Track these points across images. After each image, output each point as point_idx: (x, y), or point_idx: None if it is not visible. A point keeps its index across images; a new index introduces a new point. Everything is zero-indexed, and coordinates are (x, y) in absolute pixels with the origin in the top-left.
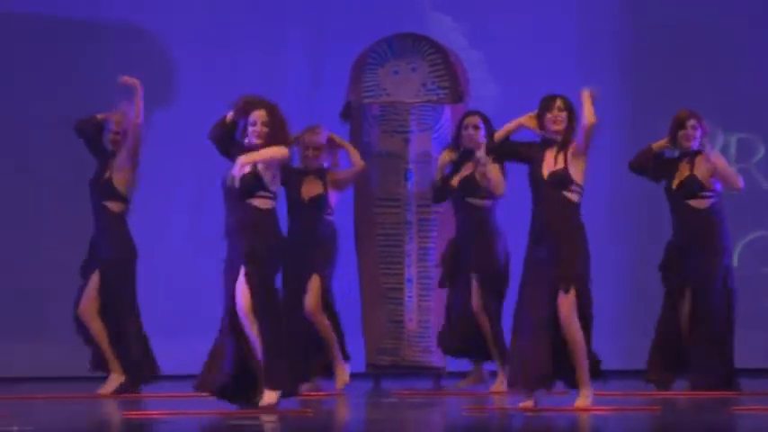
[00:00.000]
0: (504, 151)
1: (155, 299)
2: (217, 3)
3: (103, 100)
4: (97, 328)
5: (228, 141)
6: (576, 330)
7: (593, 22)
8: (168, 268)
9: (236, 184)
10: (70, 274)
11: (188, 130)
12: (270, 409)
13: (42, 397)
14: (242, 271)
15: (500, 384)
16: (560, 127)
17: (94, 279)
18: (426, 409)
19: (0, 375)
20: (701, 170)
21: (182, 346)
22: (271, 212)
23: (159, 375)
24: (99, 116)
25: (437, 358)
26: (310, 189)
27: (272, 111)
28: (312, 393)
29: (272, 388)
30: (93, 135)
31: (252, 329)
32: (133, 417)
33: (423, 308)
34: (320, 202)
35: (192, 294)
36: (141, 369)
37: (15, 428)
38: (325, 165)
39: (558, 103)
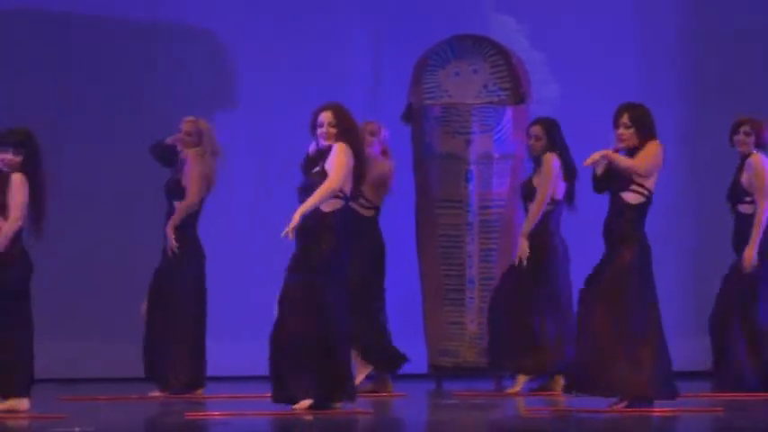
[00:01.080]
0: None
1: (217, 300)
2: (280, 3)
3: (168, 99)
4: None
5: (168, 159)
6: None
7: (653, 23)
8: (229, 270)
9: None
10: (131, 275)
11: (251, 130)
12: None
13: (104, 398)
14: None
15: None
16: (625, 144)
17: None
18: (487, 411)
19: (62, 376)
20: (745, 176)
21: (243, 348)
22: (335, 214)
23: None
24: (168, 140)
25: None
26: None
27: (338, 111)
28: (374, 393)
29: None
30: (168, 159)
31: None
32: (194, 418)
33: (484, 309)
34: None
35: (254, 296)
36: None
37: (77, 429)
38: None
39: (624, 119)
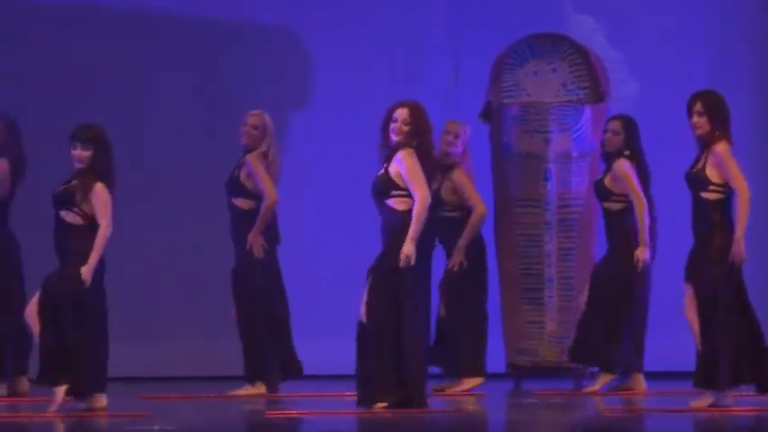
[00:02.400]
0: None
1: (297, 299)
2: (359, 2)
3: (248, 98)
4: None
5: None
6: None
7: (731, 21)
8: (308, 269)
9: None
10: (213, 274)
11: (330, 129)
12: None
13: (184, 396)
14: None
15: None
16: (700, 132)
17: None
18: (566, 410)
19: (142, 375)
20: None
21: (323, 347)
22: (409, 213)
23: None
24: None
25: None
26: None
27: (415, 109)
28: (455, 393)
29: None
30: None
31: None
32: (275, 416)
33: (563, 308)
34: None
35: (337, 295)
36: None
37: (157, 428)
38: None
39: (698, 107)
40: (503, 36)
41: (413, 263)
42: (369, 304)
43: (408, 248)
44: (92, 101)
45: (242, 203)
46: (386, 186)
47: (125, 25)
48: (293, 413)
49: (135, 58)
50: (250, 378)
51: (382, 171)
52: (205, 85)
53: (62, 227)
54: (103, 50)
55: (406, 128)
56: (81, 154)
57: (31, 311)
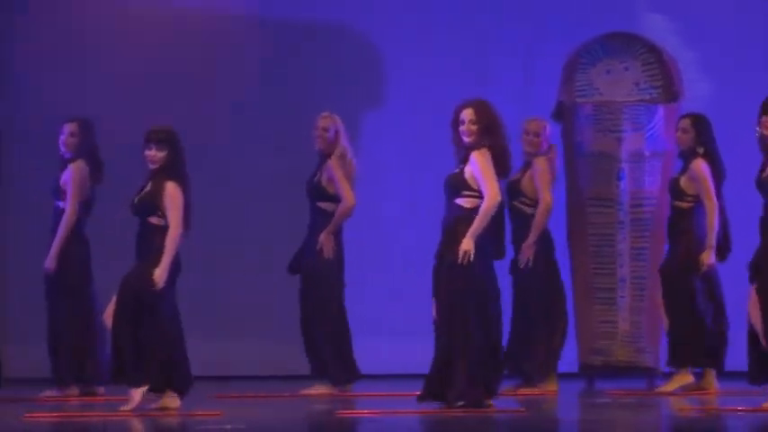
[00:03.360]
0: None
1: (370, 299)
2: (430, 2)
3: (319, 99)
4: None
5: None
6: None
7: None
8: (379, 268)
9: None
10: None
11: (400, 129)
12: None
13: (256, 396)
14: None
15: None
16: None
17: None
18: (639, 410)
19: (213, 374)
20: None
21: (393, 346)
22: (474, 210)
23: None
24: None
25: (651, 358)
26: None
27: (481, 107)
28: (527, 393)
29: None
30: None
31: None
32: (346, 415)
33: (635, 308)
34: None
35: (403, 294)
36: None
37: (229, 427)
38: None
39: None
40: (575, 35)
41: (471, 259)
42: (435, 303)
43: (467, 244)
44: (165, 103)
45: (327, 206)
46: (458, 185)
47: (195, 28)
48: (363, 412)
49: (206, 60)
50: (320, 377)
51: (457, 171)
52: (275, 86)
53: (146, 229)
54: (175, 53)
55: (474, 127)
56: (155, 155)
57: (110, 313)
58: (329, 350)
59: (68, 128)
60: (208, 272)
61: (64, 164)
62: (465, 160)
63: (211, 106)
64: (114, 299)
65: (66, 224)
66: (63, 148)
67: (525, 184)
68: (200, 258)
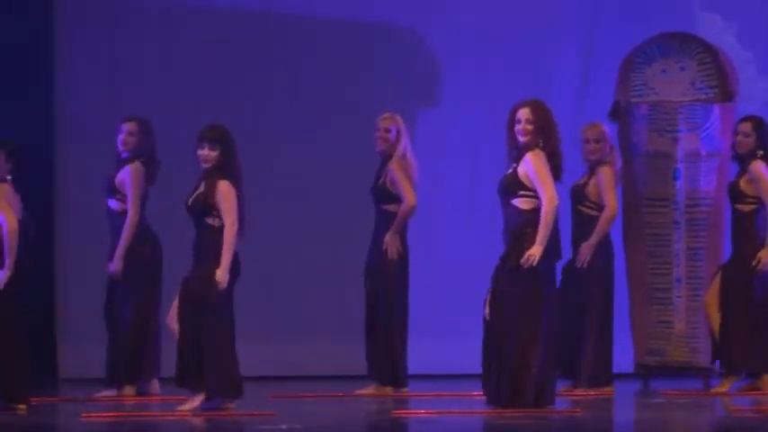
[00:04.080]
0: None
1: (426, 298)
2: (487, 2)
3: (378, 99)
4: None
5: None
6: None
7: None
8: (436, 267)
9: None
10: (341, 275)
11: (456, 129)
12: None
13: (312, 395)
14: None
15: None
16: None
17: None
18: (694, 410)
19: (268, 374)
20: None
21: (452, 346)
22: (538, 212)
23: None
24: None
25: (706, 358)
26: None
27: (536, 107)
28: (583, 393)
29: None
30: None
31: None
32: (401, 415)
33: (691, 308)
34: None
35: (460, 294)
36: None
37: (284, 427)
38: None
39: None
40: (631, 35)
41: (535, 263)
42: (491, 303)
43: (536, 250)
44: (223, 103)
45: (391, 208)
46: (513, 186)
47: (253, 27)
48: (420, 413)
49: (264, 61)
50: (380, 378)
51: (510, 171)
52: (334, 86)
53: (203, 229)
54: (235, 52)
55: (530, 127)
56: (208, 154)
57: (173, 316)
58: (392, 350)
59: (127, 127)
60: (264, 272)
61: (120, 163)
62: (518, 160)
63: (270, 108)
64: (176, 302)
65: (129, 226)
66: (121, 147)
67: (590, 189)
68: (258, 259)
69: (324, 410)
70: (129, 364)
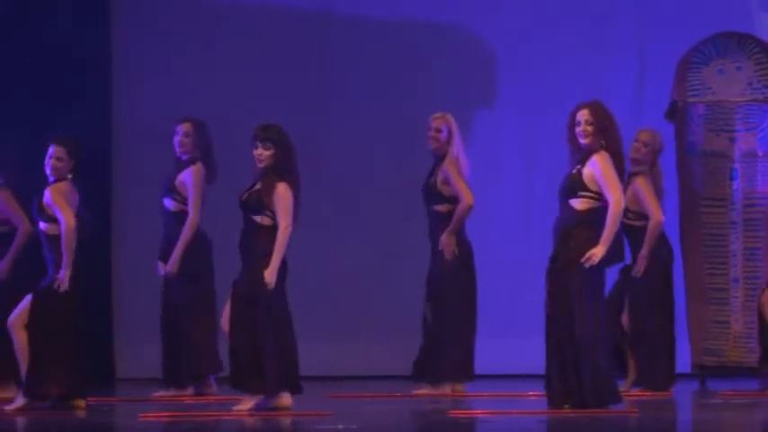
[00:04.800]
0: None
1: (484, 299)
2: (542, 3)
3: (434, 99)
4: None
5: None
6: None
7: None
8: (495, 267)
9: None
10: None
11: (514, 129)
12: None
13: (369, 395)
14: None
15: None
16: None
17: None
18: (752, 410)
19: (325, 374)
20: None
21: (509, 346)
22: (593, 211)
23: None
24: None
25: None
26: None
27: (596, 109)
28: (639, 394)
29: None
30: None
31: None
32: (458, 415)
33: (748, 308)
34: None
35: (521, 294)
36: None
37: (341, 426)
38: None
39: None
40: (688, 35)
41: (595, 263)
42: (549, 304)
43: (599, 250)
44: (277, 104)
45: (442, 208)
46: (575, 186)
47: (309, 29)
48: (475, 413)
49: (320, 61)
50: (433, 378)
51: (574, 171)
52: (388, 87)
53: (251, 227)
54: (289, 52)
55: (589, 128)
56: (262, 153)
57: (227, 318)
58: (453, 350)
59: (183, 128)
60: (322, 273)
61: (180, 164)
62: (583, 162)
63: (324, 108)
64: (228, 305)
65: (189, 228)
66: (178, 149)
67: (628, 200)
68: (314, 259)
69: (380, 410)
70: (186, 363)
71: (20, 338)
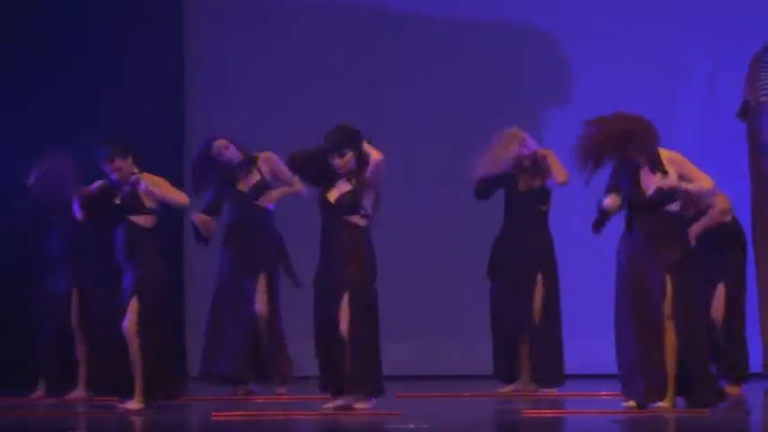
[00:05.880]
0: None
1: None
2: (617, 3)
3: (506, 100)
4: None
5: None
6: None
7: None
8: (571, 269)
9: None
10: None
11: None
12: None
13: (440, 395)
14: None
15: None
16: None
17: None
18: None
19: (397, 374)
20: None
21: (586, 346)
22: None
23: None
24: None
25: None
26: None
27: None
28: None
29: None
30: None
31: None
32: (530, 416)
33: None
34: None
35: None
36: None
37: (412, 426)
38: None
39: None
40: (760, 34)
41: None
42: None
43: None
44: (358, 105)
45: (546, 208)
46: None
47: (376, 30)
48: (549, 412)
49: (389, 61)
50: (502, 378)
51: (658, 180)
52: (470, 88)
53: (344, 226)
54: (369, 52)
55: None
56: (343, 161)
57: (345, 320)
58: (552, 349)
59: (220, 145)
60: (396, 273)
61: (244, 167)
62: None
63: (407, 110)
64: (347, 308)
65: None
66: (233, 161)
67: None
68: (390, 259)
69: (451, 410)
70: (256, 362)
71: (133, 342)
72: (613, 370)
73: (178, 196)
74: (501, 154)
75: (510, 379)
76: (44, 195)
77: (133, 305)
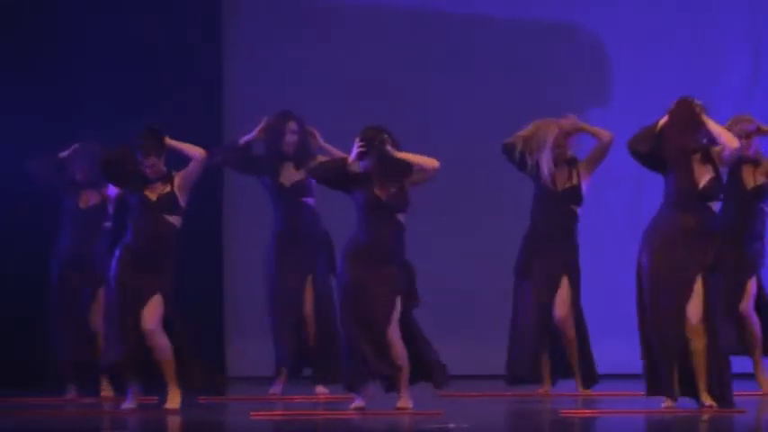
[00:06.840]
0: None
1: (595, 297)
2: (657, 2)
3: (547, 99)
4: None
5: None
6: None
7: None
8: (605, 269)
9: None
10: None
11: (627, 129)
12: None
13: (480, 394)
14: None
15: None
16: None
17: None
18: None
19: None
20: None
21: (619, 346)
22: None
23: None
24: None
25: None
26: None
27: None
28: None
29: None
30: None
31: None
32: (567, 415)
33: None
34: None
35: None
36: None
37: (452, 425)
38: None
39: None
40: None
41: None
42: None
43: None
44: (393, 103)
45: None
46: (716, 189)
47: (410, 27)
48: (587, 412)
49: (421, 60)
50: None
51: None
52: (500, 87)
53: (394, 225)
54: (390, 52)
55: None
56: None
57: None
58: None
59: (293, 125)
60: (434, 271)
61: (297, 159)
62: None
63: (441, 108)
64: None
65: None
66: (289, 147)
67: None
68: (430, 258)
69: (491, 409)
70: (301, 361)
71: (162, 342)
72: (636, 370)
73: (195, 149)
74: (543, 135)
75: (528, 380)
76: (74, 174)
77: (157, 303)
